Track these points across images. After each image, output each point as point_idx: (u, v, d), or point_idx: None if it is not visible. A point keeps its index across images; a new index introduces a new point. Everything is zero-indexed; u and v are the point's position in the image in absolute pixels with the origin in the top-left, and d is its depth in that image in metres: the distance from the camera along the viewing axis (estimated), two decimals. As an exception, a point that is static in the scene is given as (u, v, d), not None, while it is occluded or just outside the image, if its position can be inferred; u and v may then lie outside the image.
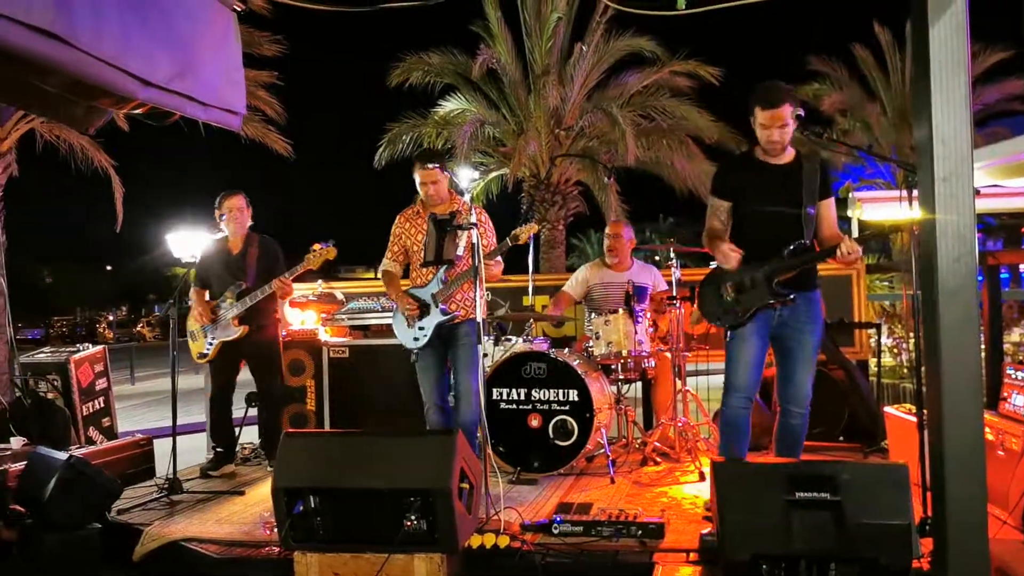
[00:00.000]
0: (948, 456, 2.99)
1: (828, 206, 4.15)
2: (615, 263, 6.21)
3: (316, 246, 5.47)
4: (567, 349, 5.73)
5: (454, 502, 3.49)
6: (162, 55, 2.78)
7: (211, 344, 5.71)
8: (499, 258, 4.78)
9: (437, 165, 4.82)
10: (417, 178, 4.83)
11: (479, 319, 4.32)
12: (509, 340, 5.86)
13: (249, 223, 5.84)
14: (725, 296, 4.14)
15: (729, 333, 4.16)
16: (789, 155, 4.10)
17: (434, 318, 4.78)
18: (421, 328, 4.82)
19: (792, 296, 4.01)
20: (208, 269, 5.86)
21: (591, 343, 5.63)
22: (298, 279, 5.76)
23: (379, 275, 5.17)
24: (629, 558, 3.69)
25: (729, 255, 4.02)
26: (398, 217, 5.04)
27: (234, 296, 5.64)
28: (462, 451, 3.66)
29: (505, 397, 5.36)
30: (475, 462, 3.89)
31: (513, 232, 4.65)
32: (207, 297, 5.79)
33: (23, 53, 2.25)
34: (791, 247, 3.99)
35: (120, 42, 2.56)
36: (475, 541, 3.74)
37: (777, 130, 3.94)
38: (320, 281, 6.92)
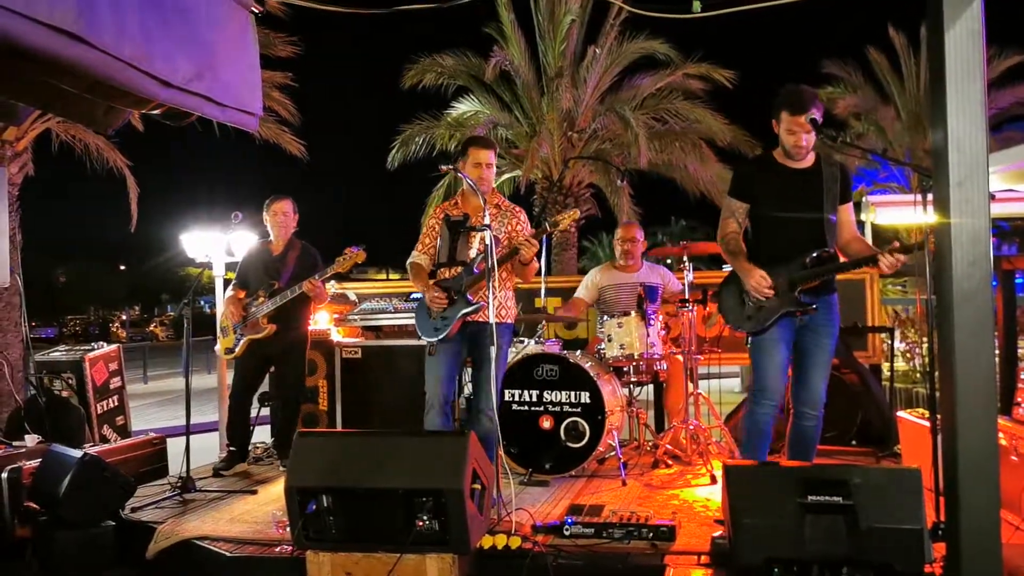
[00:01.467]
0: (961, 461, 2.98)
1: (847, 210, 4.15)
2: (629, 265, 6.22)
3: (348, 250, 5.50)
4: (579, 351, 5.74)
5: (466, 503, 3.50)
6: (181, 56, 2.80)
7: (239, 340, 5.77)
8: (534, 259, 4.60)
9: (492, 148, 4.72)
10: (470, 160, 4.61)
11: (492, 320, 4.27)
12: (522, 342, 5.87)
13: (294, 228, 5.93)
14: (747, 301, 4.12)
15: (751, 339, 4.15)
16: (810, 159, 4.10)
17: (459, 307, 4.54)
18: (444, 318, 4.59)
19: (815, 306, 4.00)
20: (248, 269, 5.98)
21: (603, 345, 5.63)
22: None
23: (407, 267, 4.88)
24: (640, 560, 3.69)
25: (761, 287, 3.98)
26: (435, 208, 4.86)
27: (266, 295, 5.70)
28: (474, 452, 3.67)
29: (517, 399, 5.37)
30: (487, 463, 3.89)
31: (553, 218, 4.52)
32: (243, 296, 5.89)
33: (45, 54, 2.27)
34: (815, 255, 3.97)
35: (141, 43, 2.58)
36: (487, 542, 3.75)
37: (804, 135, 3.94)
38: (333, 282, 6.95)
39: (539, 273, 6.03)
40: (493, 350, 4.24)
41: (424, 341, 4.68)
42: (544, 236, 4.59)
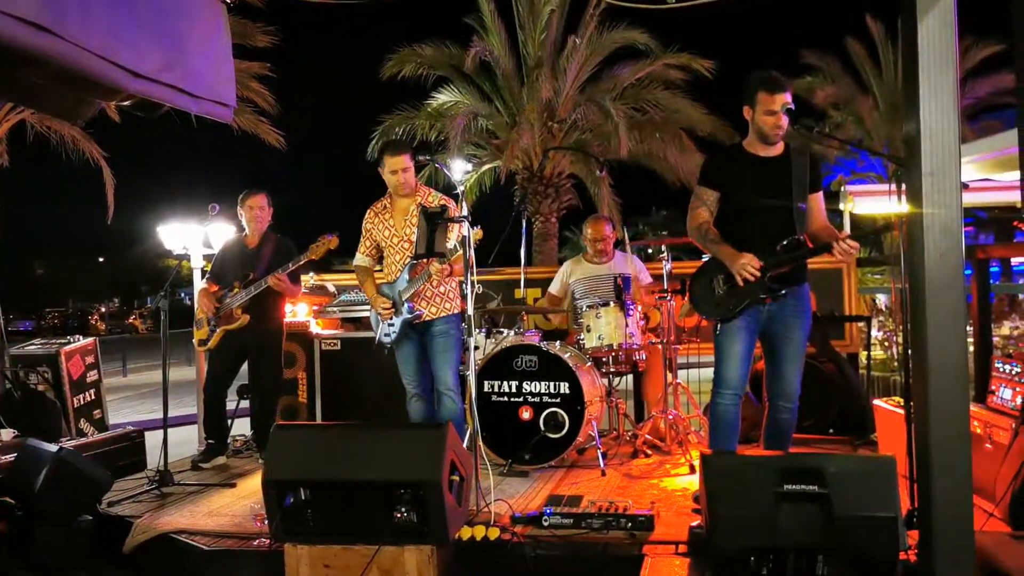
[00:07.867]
0: (934, 449, 3.01)
1: (817, 199, 4.15)
2: (603, 261, 6.21)
3: (322, 237, 5.49)
4: (558, 342, 5.73)
5: (444, 494, 3.50)
6: (151, 46, 2.77)
7: (213, 332, 5.74)
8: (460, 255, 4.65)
9: (406, 153, 4.91)
10: (386, 167, 4.87)
11: (471, 311, 4.32)
12: (501, 333, 5.86)
13: (269, 222, 5.92)
14: (716, 289, 4.13)
15: (719, 326, 4.15)
16: (778, 148, 4.10)
17: (401, 316, 4.83)
18: (391, 324, 4.88)
19: (784, 292, 4.00)
20: (223, 262, 5.96)
21: (582, 336, 5.63)
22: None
23: (354, 268, 5.16)
24: (619, 550, 3.70)
25: (753, 266, 3.91)
26: (368, 211, 5.06)
27: (240, 286, 5.67)
28: (453, 443, 3.67)
29: (496, 390, 5.36)
30: (466, 454, 3.89)
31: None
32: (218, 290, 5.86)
33: (10, 44, 2.24)
34: (785, 242, 3.97)
35: (109, 33, 2.54)
36: (465, 533, 3.75)
37: (783, 115, 3.93)
38: (312, 273, 6.92)
39: (519, 263, 6.05)
40: (472, 340, 4.38)
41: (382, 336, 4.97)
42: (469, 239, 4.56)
